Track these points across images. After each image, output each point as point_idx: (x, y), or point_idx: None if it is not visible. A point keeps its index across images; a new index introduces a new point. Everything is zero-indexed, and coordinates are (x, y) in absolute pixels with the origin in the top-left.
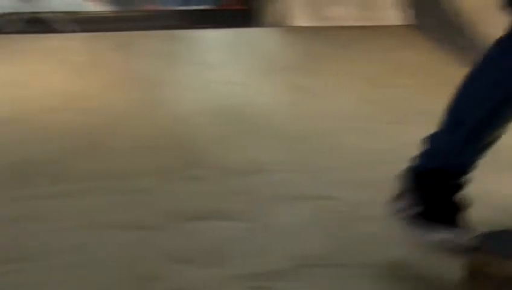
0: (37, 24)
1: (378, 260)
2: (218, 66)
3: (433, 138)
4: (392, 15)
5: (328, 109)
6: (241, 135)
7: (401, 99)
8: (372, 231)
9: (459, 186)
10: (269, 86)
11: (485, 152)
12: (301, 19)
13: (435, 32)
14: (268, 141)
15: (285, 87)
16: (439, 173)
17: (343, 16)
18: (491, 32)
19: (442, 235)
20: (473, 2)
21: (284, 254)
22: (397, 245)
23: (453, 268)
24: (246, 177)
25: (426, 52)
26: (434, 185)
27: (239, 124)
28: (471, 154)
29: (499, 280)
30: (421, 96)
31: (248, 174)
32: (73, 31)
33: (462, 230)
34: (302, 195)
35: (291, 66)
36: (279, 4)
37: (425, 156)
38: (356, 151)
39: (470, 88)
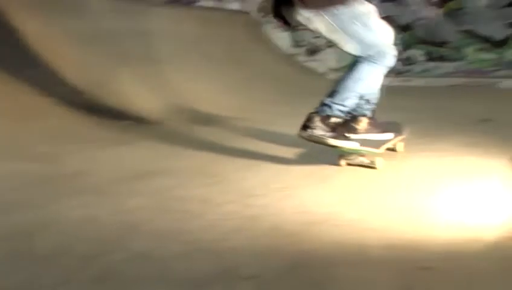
0: None
1: None
2: None
3: (326, 98)
4: None
5: None
6: None
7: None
8: None
9: (344, 119)
10: None
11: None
12: None
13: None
14: None
15: None
16: (335, 116)
17: None
18: (55, 62)
19: (347, 143)
20: (36, 36)
21: None
22: None
23: None
24: None
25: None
26: (333, 122)
27: None
28: (351, 105)
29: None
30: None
31: None
32: None
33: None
34: None
35: None
36: None
37: (324, 106)
38: None
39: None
